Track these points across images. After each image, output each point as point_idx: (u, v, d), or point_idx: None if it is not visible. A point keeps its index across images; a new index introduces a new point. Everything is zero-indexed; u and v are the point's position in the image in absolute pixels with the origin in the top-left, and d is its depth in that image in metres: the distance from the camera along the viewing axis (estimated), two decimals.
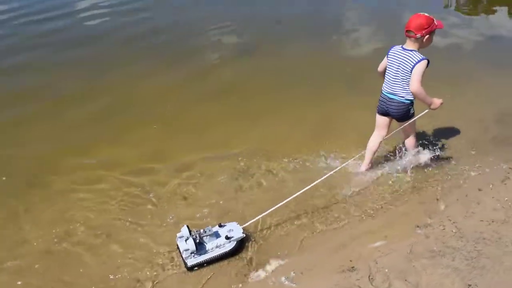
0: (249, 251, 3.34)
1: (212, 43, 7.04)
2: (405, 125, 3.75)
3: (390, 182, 4.11)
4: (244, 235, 3.21)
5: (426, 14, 3.42)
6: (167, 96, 5.62)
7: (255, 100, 5.46)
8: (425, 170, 4.22)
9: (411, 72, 3.38)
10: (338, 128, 4.88)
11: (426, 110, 3.68)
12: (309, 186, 3.63)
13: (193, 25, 7.67)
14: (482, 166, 4.26)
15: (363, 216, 3.75)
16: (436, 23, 3.41)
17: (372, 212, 3.79)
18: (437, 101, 3.56)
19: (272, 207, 3.43)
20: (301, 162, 4.42)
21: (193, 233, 3.07)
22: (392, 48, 3.60)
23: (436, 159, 4.25)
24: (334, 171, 3.85)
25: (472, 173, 4.17)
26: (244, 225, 3.31)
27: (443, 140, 4.64)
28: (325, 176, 3.77)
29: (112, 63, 6.34)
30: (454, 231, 3.42)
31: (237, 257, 3.28)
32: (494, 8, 8.53)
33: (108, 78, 5.98)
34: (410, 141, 3.95)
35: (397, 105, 3.58)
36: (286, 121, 5.06)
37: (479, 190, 3.90)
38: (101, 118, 5.23)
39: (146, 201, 4.01)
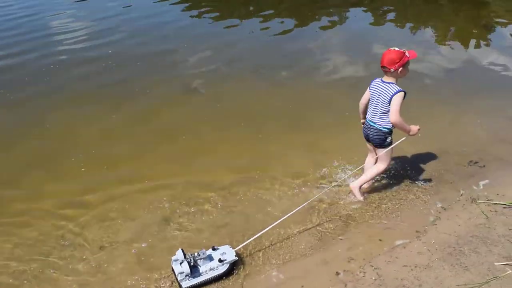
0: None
1: (155, 83, 6.86)
2: (381, 153, 3.92)
3: (319, 223, 3.96)
4: (237, 258, 3.31)
5: (396, 49, 3.61)
6: (96, 136, 5.45)
7: (188, 140, 5.33)
8: (361, 211, 4.08)
9: (389, 103, 3.59)
10: (274, 168, 4.73)
11: (403, 138, 3.87)
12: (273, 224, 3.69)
13: (139, 64, 7.54)
14: (417, 206, 4.14)
15: (281, 263, 3.56)
16: (407, 55, 3.61)
17: (293, 257, 3.61)
18: (414, 128, 3.76)
19: (262, 230, 3.58)
20: (230, 202, 4.30)
21: (187, 257, 3.17)
22: (373, 80, 3.82)
23: (374, 198, 4.26)
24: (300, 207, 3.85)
25: (408, 213, 4.03)
26: (237, 248, 3.40)
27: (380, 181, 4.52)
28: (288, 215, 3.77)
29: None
30: (374, 278, 3.27)
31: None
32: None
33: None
34: (379, 167, 4.02)
35: (376, 132, 3.80)
36: (219, 161, 4.91)
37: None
38: (30, 158, 5.07)
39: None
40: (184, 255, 3.18)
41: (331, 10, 10.62)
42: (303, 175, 4.59)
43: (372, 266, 3.39)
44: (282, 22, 9.66)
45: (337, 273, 3.36)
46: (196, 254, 3.22)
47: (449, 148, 5.02)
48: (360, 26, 9.43)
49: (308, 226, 3.93)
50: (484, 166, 4.73)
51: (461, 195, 4.26)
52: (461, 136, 5.25)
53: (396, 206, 4.13)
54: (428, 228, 3.81)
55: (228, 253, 3.29)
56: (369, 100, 3.86)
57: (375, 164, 4.12)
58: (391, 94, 3.59)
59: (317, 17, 10.08)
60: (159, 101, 6.24)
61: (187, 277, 3.12)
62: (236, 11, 11.10)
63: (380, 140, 3.83)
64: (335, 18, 10.14)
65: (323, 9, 10.70)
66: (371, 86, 3.82)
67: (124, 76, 7.06)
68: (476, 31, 8.97)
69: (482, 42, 8.37)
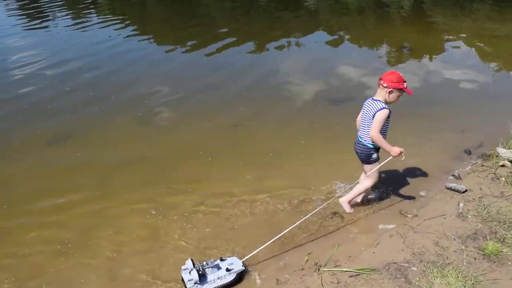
0: None
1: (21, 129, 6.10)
2: (366, 169, 3.85)
3: None
4: (244, 268, 3.34)
5: (399, 73, 3.66)
6: None
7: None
8: None
9: (373, 119, 3.60)
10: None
11: (389, 158, 3.74)
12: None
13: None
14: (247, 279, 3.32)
15: None
16: (405, 86, 3.65)
17: None
18: (397, 150, 3.62)
19: (269, 240, 3.47)
20: None
21: (196, 265, 3.26)
22: (367, 99, 3.81)
23: None
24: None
25: None
26: (244, 259, 3.40)
27: None
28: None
29: None
30: None
31: None
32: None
33: None
34: (366, 184, 3.92)
35: (362, 147, 3.80)
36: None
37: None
38: None
39: None
40: (193, 264, 3.26)
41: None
42: None
43: None
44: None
45: None
46: (204, 263, 3.29)
47: (311, 194, 4.24)
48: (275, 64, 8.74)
49: None
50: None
51: (306, 261, 3.44)
52: (332, 175, 4.49)
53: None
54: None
55: (236, 264, 3.34)
56: None
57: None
58: (376, 110, 3.60)
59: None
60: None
61: (196, 284, 3.19)
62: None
63: (366, 155, 3.79)
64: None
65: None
66: (364, 104, 3.82)
67: None
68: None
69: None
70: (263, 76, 7.69)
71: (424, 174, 4.58)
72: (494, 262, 3.18)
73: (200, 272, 3.21)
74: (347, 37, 10.13)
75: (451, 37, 9.75)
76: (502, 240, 3.42)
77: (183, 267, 3.29)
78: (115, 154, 5.29)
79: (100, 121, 6.20)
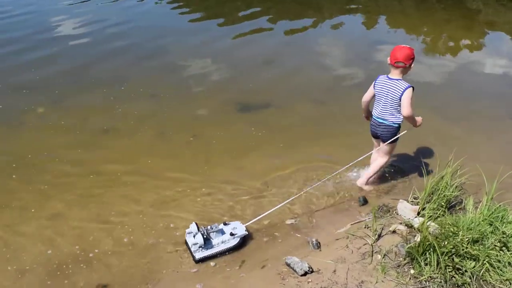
0: None
1: None
2: (387, 148, 3.88)
3: None
4: (247, 233, 3.35)
5: (407, 46, 3.61)
6: None
7: None
8: None
9: (399, 100, 3.59)
10: None
11: (404, 132, 3.80)
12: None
13: None
14: None
15: None
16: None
17: None
18: (419, 119, 3.78)
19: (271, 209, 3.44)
20: None
21: (201, 229, 3.21)
22: (378, 77, 3.77)
23: None
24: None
25: None
26: (247, 224, 3.39)
27: None
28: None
29: None
30: None
31: None
32: None
33: None
34: (382, 161, 3.97)
35: (386, 128, 3.76)
36: None
37: None
38: None
39: None
40: (198, 228, 3.22)
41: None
42: None
43: None
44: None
45: None
46: (209, 227, 3.27)
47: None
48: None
49: None
50: None
51: None
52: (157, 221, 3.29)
53: None
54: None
55: (239, 228, 3.33)
56: (373, 97, 3.84)
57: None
58: (402, 91, 3.57)
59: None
60: None
61: (201, 248, 3.15)
62: None
63: (391, 135, 3.77)
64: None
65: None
66: (376, 83, 3.77)
67: None
68: (467, 41, 8.05)
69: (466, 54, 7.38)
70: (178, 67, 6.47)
71: (279, 230, 3.20)
72: None
73: (205, 236, 3.15)
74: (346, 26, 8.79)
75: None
76: None
77: (187, 230, 3.25)
78: None
79: None
